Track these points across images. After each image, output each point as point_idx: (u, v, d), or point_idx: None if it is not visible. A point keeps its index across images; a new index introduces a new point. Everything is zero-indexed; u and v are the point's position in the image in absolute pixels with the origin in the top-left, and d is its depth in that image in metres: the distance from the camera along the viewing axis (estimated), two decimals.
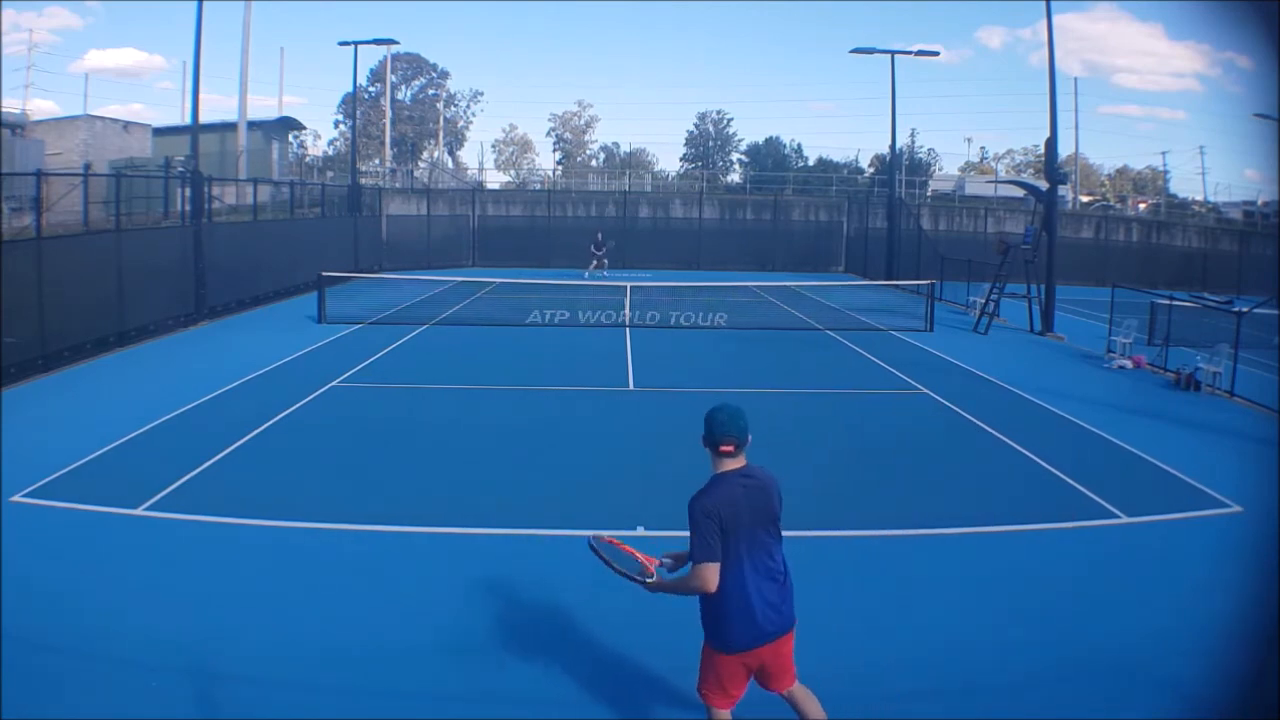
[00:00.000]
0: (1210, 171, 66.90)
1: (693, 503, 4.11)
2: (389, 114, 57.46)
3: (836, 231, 39.22)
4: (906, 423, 12.07)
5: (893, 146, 34.56)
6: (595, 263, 31.23)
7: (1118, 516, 8.36)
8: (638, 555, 4.50)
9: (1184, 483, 9.46)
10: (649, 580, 4.38)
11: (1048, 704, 5.32)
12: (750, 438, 4.20)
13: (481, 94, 68.38)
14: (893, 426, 11.88)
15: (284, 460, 9.84)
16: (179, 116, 50.08)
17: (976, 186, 47.62)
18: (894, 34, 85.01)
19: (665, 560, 4.48)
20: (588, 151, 65.91)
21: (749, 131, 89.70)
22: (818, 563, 7.31)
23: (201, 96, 27.29)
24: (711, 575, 4.06)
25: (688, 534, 4.13)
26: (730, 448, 4.13)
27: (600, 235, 32.42)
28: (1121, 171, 65.78)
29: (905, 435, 11.38)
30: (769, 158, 58.09)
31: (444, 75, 64.05)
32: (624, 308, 21.34)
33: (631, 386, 14.10)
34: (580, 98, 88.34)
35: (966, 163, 59.88)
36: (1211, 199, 53.49)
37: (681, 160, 63.73)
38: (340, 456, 10.01)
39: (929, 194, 47.53)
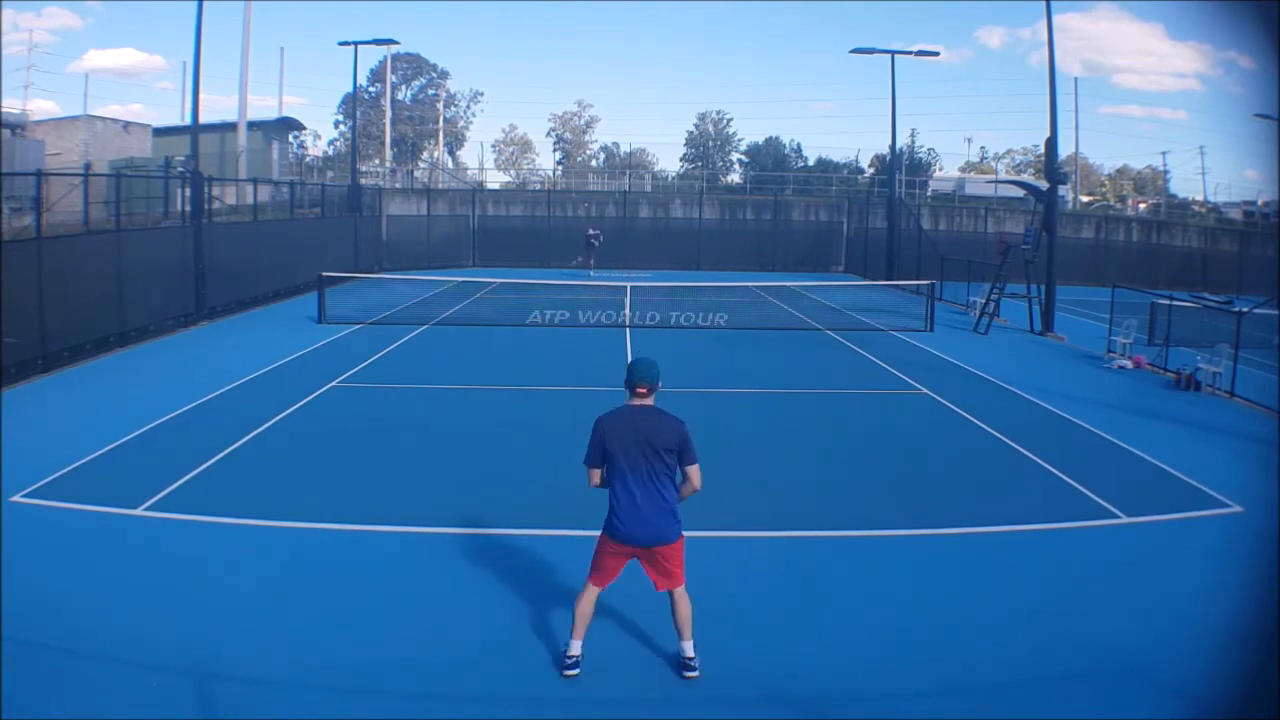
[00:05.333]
0: (1210, 171, 67.03)
1: (596, 419, 5.33)
2: (389, 114, 57.48)
3: (836, 231, 39.21)
4: (906, 423, 12.06)
5: (893, 146, 34.56)
6: (580, 259, 31.34)
7: (1118, 517, 8.35)
8: None
9: (1184, 483, 9.45)
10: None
11: (1047, 704, 5.32)
12: (660, 385, 5.33)
13: (481, 94, 68.33)
14: (892, 427, 11.88)
15: (284, 461, 9.84)
16: (179, 116, 50.04)
17: (976, 186, 47.59)
18: (894, 34, 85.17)
19: None
20: (588, 152, 65.91)
21: (749, 131, 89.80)
22: (816, 563, 7.31)
23: (201, 96, 27.30)
24: (590, 476, 5.35)
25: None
26: (644, 389, 5.29)
27: (592, 230, 32.39)
28: (1121, 171, 65.88)
29: (905, 435, 11.38)
30: (769, 158, 58.04)
31: (444, 75, 64.12)
32: (624, 308, 21.32)
33: None
34: (580, 98, 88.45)
35: (966, 163, 59.94)
36: (1211, 199, 53.61)
37: (681, 160, 63.79)
38: (340, 457, 10.01)
39: (929, 194, 47.50)
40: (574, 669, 5.38)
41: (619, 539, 5.27)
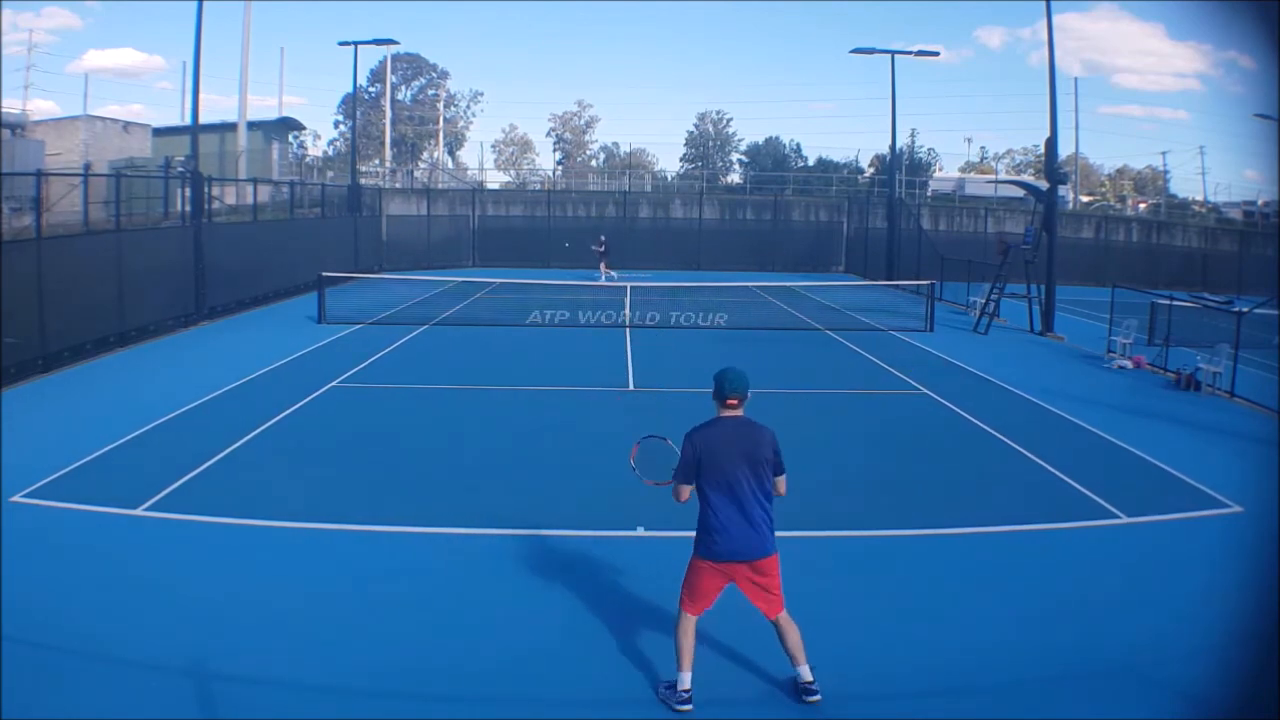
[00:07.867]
0: (1210, 171, 66.94)
1: (687, 433, 5.13)
2: (389, 114, 57.50)
3: (836, 231, 39.21)
4: (907, 423, 12.06)
5: (893, 146, 34.57)
6: (603, 264, 31.46)
7: (1118, 517, 8.35)
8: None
9: (1184, 483, 9.45)
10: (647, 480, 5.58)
11: (1047, 704, 5.32)
12: (749, 395, 5.23)
13: (481, 94, 68.39)
14: (893, 427, 11.88)
15: (284, 461, 9.83)
16: (179, 116, 50.01)
17: (976, 186, 47.61)
18: (894, 34, 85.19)
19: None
20: (588, 152, 65.95)
21: (749, 131, 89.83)
22: (817, 563, 7.31)
23: (201, 96, 27.28)
24: (680, 492, 5.16)
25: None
26: (734, 401, 5.18)
27: (602, 237, 32.44)
28: (1121, 171, 65.86)
29: (905, 436, 11.37)
30: (769, 158, 58.06)
31: (444, 75, 64.16)
32: (624, 308, 21.31)
33: (631, 386, 14.10)
34: (580, 98, 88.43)
35: (966, 163, 59.93)
36: (1211, 199, 53.61)
37: (681, 160, 63.80)
38: (340, 457, 10.01)
39: (929, 194, 47.51)
40: (686, 704, 5.06)
41: (721, 557, 5.04)
